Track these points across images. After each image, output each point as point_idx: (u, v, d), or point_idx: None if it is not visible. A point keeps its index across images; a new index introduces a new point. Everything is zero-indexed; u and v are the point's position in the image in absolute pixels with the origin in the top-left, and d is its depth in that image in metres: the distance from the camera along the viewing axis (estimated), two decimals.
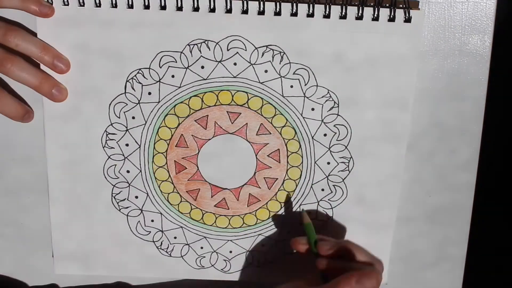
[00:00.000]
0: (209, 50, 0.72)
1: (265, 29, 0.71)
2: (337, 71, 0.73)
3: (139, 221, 0.79)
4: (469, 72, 0.75)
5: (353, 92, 0.74)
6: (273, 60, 0.73)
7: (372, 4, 0.70)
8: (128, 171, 0.77)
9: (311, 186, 0.77)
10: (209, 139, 0.76)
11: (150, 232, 0.79)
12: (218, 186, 0.78)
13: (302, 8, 0.70)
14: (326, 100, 0.74)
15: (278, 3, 0.70)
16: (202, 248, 0.80)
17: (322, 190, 0.77)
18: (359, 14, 0.71)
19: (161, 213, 0.78)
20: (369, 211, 0.78)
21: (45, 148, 0.76)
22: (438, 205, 0.80)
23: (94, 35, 0.72)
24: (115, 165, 0.76)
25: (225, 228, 0.79)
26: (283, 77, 0.73)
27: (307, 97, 0.74)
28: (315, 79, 0.73)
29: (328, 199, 0.78)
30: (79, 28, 0.71)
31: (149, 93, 0.74)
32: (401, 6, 0.70)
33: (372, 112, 0.74)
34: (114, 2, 0.70)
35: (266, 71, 0.73)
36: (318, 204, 0.78)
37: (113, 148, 0.76)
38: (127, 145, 0.76)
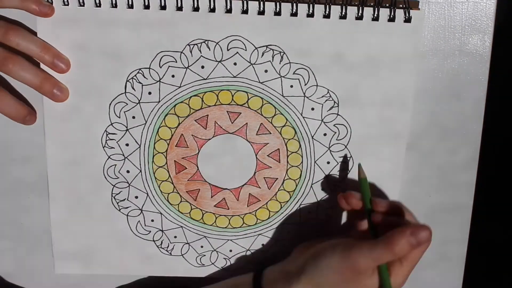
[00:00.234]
0: (209, 50, 0.72)
1: (265, 29, 0.71)
2: (337, 71, 0.73)
3: (139, 221, 0.79)
4: (469, 72, 0.75)
5: (353, 91, 0.74)
6: (273, 60, 0.73)
7: (372, 4, 0.70)
8: (128, 171, 0.77)
9: (311, 186, 0.77)
10: (209, 139, 0.76)
11: (150, 231, 0.79)
12: (218, 186, 0.78)
13: (302, 8, 0.70)
14: (326, 100, 0.74)
15: (278, 3, 0.70)
16: (202, 247, 0.80)
17: (322, 189, 0.78)
18: (359, 14, 0.71)
19: (161, 213, 0.78)
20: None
21: (45, 148, 0.76)
22: (438, 204, 0.80)
23: (94, 35, 0.72)
24: (115, 165, 0.77)
25: (225, 228, 0.79)
26: (283, 77, 0.73)
27: (307, 97, 0.74)
28: (315, 79, 0.73)
29: (328, 199, 0.78)
30: (79, 28, 0.71)
31: (149, 93, 0.74)
32: (401, 6, 0.70)
33: (372, 112, 0.74)
34: (114, 2, 0.70)
35: (266, 71, 0.73)
36: (318, 204, 0.78)
37: (113, 148, 0.76)
38: (127, 145, 0.76)
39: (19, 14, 0.70)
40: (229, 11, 0.71)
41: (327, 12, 0.71)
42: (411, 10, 0.71)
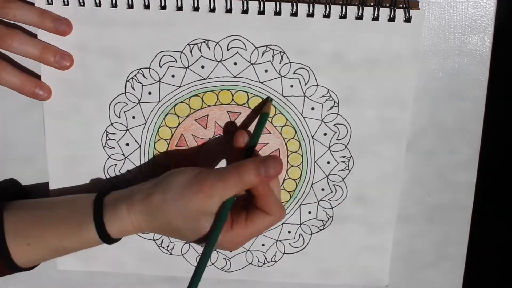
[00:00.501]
0: (209, 49, 0.72)
1: (265, 29, 0.71)
2: (337, 70, 0.73)
3: None
4: (469, 72, 0.75)
5: (353, 91, 0.74)
6: (273, 59, 0.73)
7: (372, 4, 0.70)
8: (128, 171, 0.77)
9: (311, 186, 0.77)
10: (209, 139, 0.76)
11: None
12: None
13: (302, 8, 0.70)
14: (326, 100, 0.74)
15: (278, 3, 0.70)
16: (202, 246, 0.80)
17: (322, 189, 0.77)
18: (359, 14, 0.71)
19: None
20: (369, 211, 0.78)
21: (45, 147, 0.76)
22: (438, 204, 0.80)
23: (94, 35, 0.72)
24: (116, 164, 0.77)
25: None
26: (283, 76, 0.73)
27: (307, 97, 0.74)
28: (315, 79, 0.73)
29: (328, 199, 0.78)
30: (79, 27, 0.71)
31: (149, 93, 0.74)
32: (401, 6, 0.70)
33: (372, 111, 0.74)
34: (114, 2, 0.70)
35: (266, 71, 0.73)
36: (318, 203, 0.78)
37: (113, 148, 0.76)
38: (127, 144, 0.76)
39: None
40: (229, 11, 0.71)
41: (327, 12, 0.71)
42: (411, 10, 0.70)
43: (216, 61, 0.73)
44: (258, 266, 0.81)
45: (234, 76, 0.73)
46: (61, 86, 0.74)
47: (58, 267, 0.81)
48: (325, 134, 0.75)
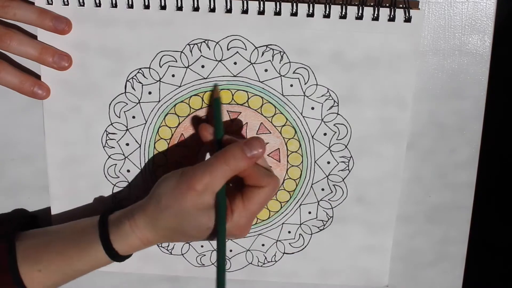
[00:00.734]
0: (209, 49, 0.72)
1: (265, 29, 0.71)
2: (337, 70, 0.73)
3: None
4: (469, 72, 0.75)
5: (353, 91, 0.74)
6: (273, 59, 0.73)
7: (372, 4, 0.70)
8: (128, 171, 0.77)
9: (311, 186, 0.77)
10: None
11: None
12: None
13: (302, 8, 0.70)
14: (326, 99, 0.74)
15: (278, 3, 0.70)
16: (202, 246, 0.80)
17: (322, 189, 0.77)
18: (359, 14, 0.71)
19: None
20: (369, 210, 0.78)
21: (45, 147, 0.76)
22: (438, 204, 0.80)
23: (94, 35, 0.72)
24: (116, 164, 0.77)
25: None
26: (283, 76, 0.73)
27: (307, 96, 0.74)
28: (315, 78, 0.73)
29: (328, 199, 0.78)
30: (79, 27, 0.71)
31: (149, 93, 0.74)
32: (401, 6, 0.70)
33: (372, 111, 0.74)
34: (114, 1, 0.70)
35: (266, 70, 0.73)
36: (318, 204, 0.78)
37: (113, 147, 0.76)
38: (127, 144, 0.76)
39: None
40: (229, 11, 0.71)
41: (327, 12, 0.71)
42: (411, 10, 0.70)
43: (216, 60, 0.73)
44: (258, 266, 0.81)
45: (234, 76, 0.73)
46: (61, 86, 0.74)
47: None
48: (325, 134, 0.75)
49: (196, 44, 0.72)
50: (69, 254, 0.69)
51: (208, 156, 0.77)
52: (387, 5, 0.70)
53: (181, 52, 0.72)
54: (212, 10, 0.71)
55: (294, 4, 0.70)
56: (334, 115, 0.75)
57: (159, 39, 0.72)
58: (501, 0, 0.73)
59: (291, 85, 0.73)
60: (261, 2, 0.70)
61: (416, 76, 0.74)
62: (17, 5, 0.69)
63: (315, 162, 0.76)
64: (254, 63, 0.73)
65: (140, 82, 0.74)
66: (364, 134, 0.75)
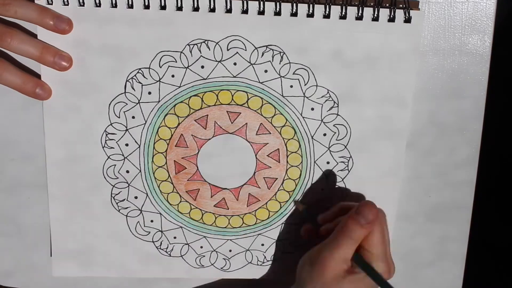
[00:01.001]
0: (209, 50, 0.72)
1: (265, 29, 0.71)
2: (337, 71, 0.73)
3: (138, 221, 0.79)
4: (469, 72, 0.75)
5: (353, 92, 0.74)
6: (273, 60, 0.73)
7: (372, 4, 0.70)
8: (127, 171, 0.77)
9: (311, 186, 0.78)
10: (209, 139, 0.76)
11: (149, 232, 0.79)
12: (218, 186, 0.78)
13: (302, 8, 0.70)
14: (326, 100, 0.74)
15: (278, 3, 0.70)
16: (201, 247, 0.80)
17: (322, 189, 0.78)
18: (359, 14, 0.71)
19: (160, 213, 0.78)
20: None
21: (44, 147, 0.76)
22: (438, 203, 0.80)
23: (94, 35, 0.72)
24: (115, 165, 0.77)
25: (225, 228, 0.79)
26: (283, 77, 0.73)
27: (307, 97, 0.74)
28: (315, 79, 0.73)
29: (328, 199, 0.78)
30: (79, 27, 0.71)
31: (149, 93, 0.74)
32: (401, 6, 0.70)
33: (372, 111, 0.74)
34: (114, 1, 0.70)
35: (266, 71, 0.73)
36: (318, 204, 0.78)
37: (113, 148, 0.76)
38: (126, 145, 0.76)
39: None
40: (229, 11, 0.71)
41: (327, 12, 0.71)
42: (411, 10, 0.70)
43: (216, 61, 0.73)
44: (257, 265, 0.81)
45: (234, 76, 0.73)
46: (61, 86, 0.74)
47: (54, 273, 0.81)
48: (324, 135, 0.75)
49: (196, 44, 0.72)
50: None
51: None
52: (387, 5, 0.70)
53: (181, 52, 0.72)
54: (212, 10, 0.71)
55: (294, 4, 0.70)
56: (334, 115, 0.75)
57: (159, 39, 0.72)
58: (501, 0, 0.73)
59: (291, 86, 0.73)
60: (261, 2, 0.70)
61: (416, 76, 0.74)
62: (18, 3, 0.69)
63: (314, 162, 0.76)
64: (254, 64, 0.73)
65: (139, 82, 0.73)
66: (364, 134, 0.75)
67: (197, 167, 0.77)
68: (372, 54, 0.72)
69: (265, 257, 0.81)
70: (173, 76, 0.73)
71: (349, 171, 0.77)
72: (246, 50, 0.72)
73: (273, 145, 0.76)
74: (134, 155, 0.76)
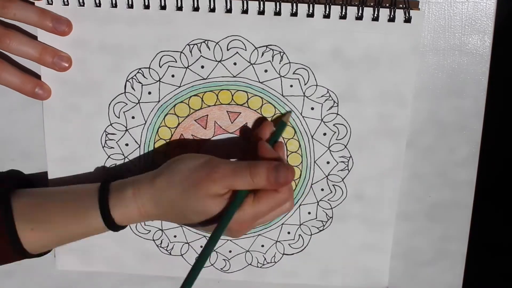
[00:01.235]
0: (209, 50, 0.72)
1: (265, 29, 0.71)
2: (336, 70, 0.73)
3: None
4: (469, 72, 0.75)
5: (352, 91, 0.74)
6: (273, 60, 0.73)
7: (372, 4, 0.70)
8: (128, 171, 0.77)
9: (311, 186, 0.77)
10: (209, 139, 0.76)
11: (150, 231, 0.79)
12: None
13: (302, 8, 0.70)
14: (326, 100, 0.74)
15: (278, 3, 0.70)
16: (201, 247, 0.80)
17: (322, 190, 0.78)
18: (359, 14, 0.71)
19: None
20: (369, 209, 0.78)
21: (45, 147, 0.76)
22: (438, 202, 0.80)
23: (94, 35, 0.72)
24: (115, 164, 0.77)
25: None
26: (283, 76, 0.73)
27: (307, 97, 0.74)
28: (315, 79, 0.73)
29: (328, 199, 0.78)
30: (79, 27, 0.71)
31: (149, 93, 0.74)
32: (401, 6, 0.70)
33: (372, 110, 0.74)
34: (114, 1, 0.70)
35: (266, 71, 0.73)
36: (318, 204, 0.78)
37: (113, 148, 0.76)
38: (127, 145, 0.76)
39: None
40: (229, 11, 0.71)
41: (327, 12, 0.71)
42: (411, 10, 0.70)
43: (216, 61, 0.73)
44: (257, 267, 0.81)
45: (234, 76, 0.73)
46: (61, 86, 0.74)
47: (58, 266, 0.81)
48: (324, 134, 0.75)
49: (196, 44, 0.72)
50: (64, 215, 0.69)
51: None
52: (387, 5, 0.70)
53: (181, 52, 0.72)
54: (212, 10, 0.71)
55: (294, 4, 0.70)
56: (333, 115, 0.75)
57: (159, 39, 0.72)
58: (501, 0, 0.73)
59: (291, 86, 0.73)
60: (261, 2, 0.70)
61: (416, 76, 0.74)
62: (17, 5, 0.69)
63: (314, 162, 0.76)
64: (254, 64, 0.73)
65: (139, 82, 0.74)
66: (364, 133, 0.75)
67: None
68: (372, 54, 0.72)
69: (265, 258, 0.81)
70: (173, 76, 0.73)
71: (349, 171, 0.77)
72: (246, 50, 0.72)
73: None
74: (134, 155, 0.76)
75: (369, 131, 0.75)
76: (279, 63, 0.73)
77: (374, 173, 0.77)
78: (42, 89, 0.73)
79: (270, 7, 0.71)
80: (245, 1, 0.70)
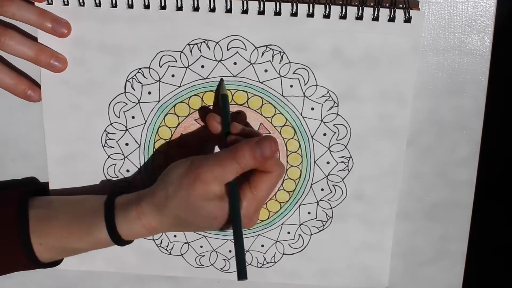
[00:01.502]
0: (209, 49, 0.72)
1: (265, 29, 0.71)
2: (337, 70, 0.73)
3: None
4: (469, 72, 0.75)
5: (352, 91, 0.74)
6: (273, 59, 0.73)
7: (372, 4, 0.70)
8: (128, 170, 0.77)
9: (311, 186, 0.77)
10: (209, 139, 0.76)
11: None
12: None
13: (302, 8, 0.70)
14: (326, 100, 0.74)
15: (278, 3, 0.70)
16: (201, 247, 0.80)
17: (322, 190, 0.78)
18: (359, 14, 0.71)
19: None
20: (369, 209, 0.78)
21: (45, 146, 0.76)
22: (438, 202, 0.80)
23: (94, 35, 0.72)
24: (115, 164, 0.77)
25: None
26: (283, 76, 0.73)
27: (307, 97, 0.74)
28: (315, 79, 0.73)
29: (328, 199, 0.78)
30: (79, 27, 0.71)
31: (149, 93, 0.74)
32: (401, 6, 0.70)
33: (372, 110, 0.74)
34: (114, 1, 0.70)
35: (266, 71, 0.73)
36: (318, 204, 0.78)
37: (113, 147, 0.76)
38: (127, 144, 0.76)
39: None
40: (229, 11, 0.71)
41: (327, 12, 0.71)
42: (411, 10, 0.70)
43: (216, 61, 0.73)
44: (257, 267, 0.81)
45: (234, 76, 0.73)
46: (61, 85, 0.74)
47: (58, 266, 0.81)
48: (324, 134, 0.75)
49: (196, 44, 0.72)
50: (71, 231, 0.69)
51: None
52: (387, 5, 0.70)
53: (181, 52, 0.72)
54: (212, 10, 0.71)
55: (294, 4, 0.70)
56: (334, 115, 0.75)
57: (159, 39, 0.72)
58: (501, 0, 0.73)
59: (291, 86, 0.73)
60: (261, 2, 0.70)
61: (416, 75, 0.74)
62: (17, 4, 0.69)
63: (314, 162, 0.76)
64: (254, 64, 0.73)
65: (139, 82, 0.74)
66: (364, 133, 0.75)
67: None
68: (372, 54, 0.72)
69: (265, 258, 0.81)
70: (173, 75, 0.73)
71: (349, 171, 0.77)
72: (246, 50, 0.72)
73: None
74: (134, 155, 0.76)
75: (369, 131, 0.75)
76: (279, 63, 0.73)
77: (374, 173, 0.77)
78: (34, 91, 0.73)
79: (270, 7, 0.71)
80: (245, 1, 0.70)
